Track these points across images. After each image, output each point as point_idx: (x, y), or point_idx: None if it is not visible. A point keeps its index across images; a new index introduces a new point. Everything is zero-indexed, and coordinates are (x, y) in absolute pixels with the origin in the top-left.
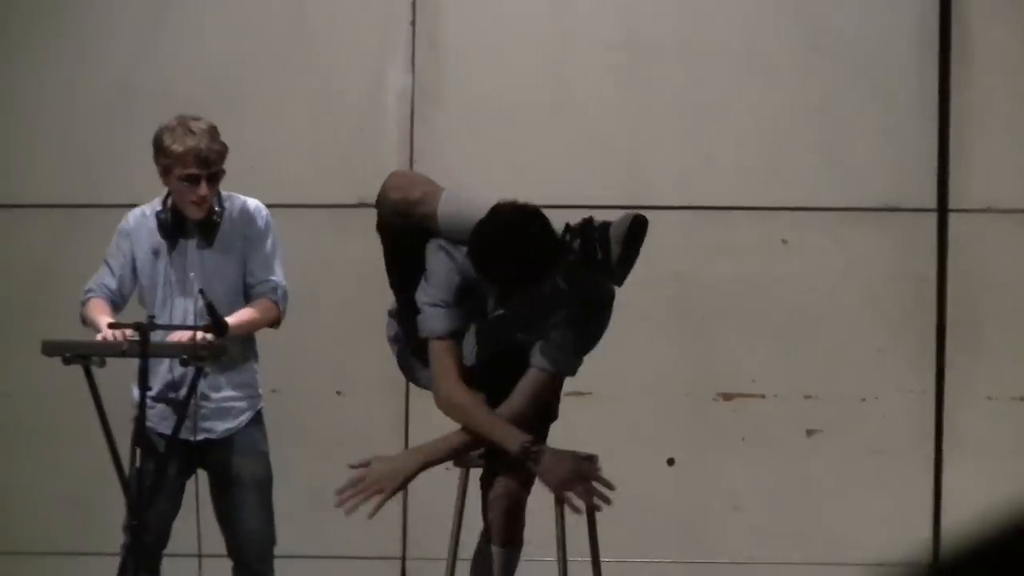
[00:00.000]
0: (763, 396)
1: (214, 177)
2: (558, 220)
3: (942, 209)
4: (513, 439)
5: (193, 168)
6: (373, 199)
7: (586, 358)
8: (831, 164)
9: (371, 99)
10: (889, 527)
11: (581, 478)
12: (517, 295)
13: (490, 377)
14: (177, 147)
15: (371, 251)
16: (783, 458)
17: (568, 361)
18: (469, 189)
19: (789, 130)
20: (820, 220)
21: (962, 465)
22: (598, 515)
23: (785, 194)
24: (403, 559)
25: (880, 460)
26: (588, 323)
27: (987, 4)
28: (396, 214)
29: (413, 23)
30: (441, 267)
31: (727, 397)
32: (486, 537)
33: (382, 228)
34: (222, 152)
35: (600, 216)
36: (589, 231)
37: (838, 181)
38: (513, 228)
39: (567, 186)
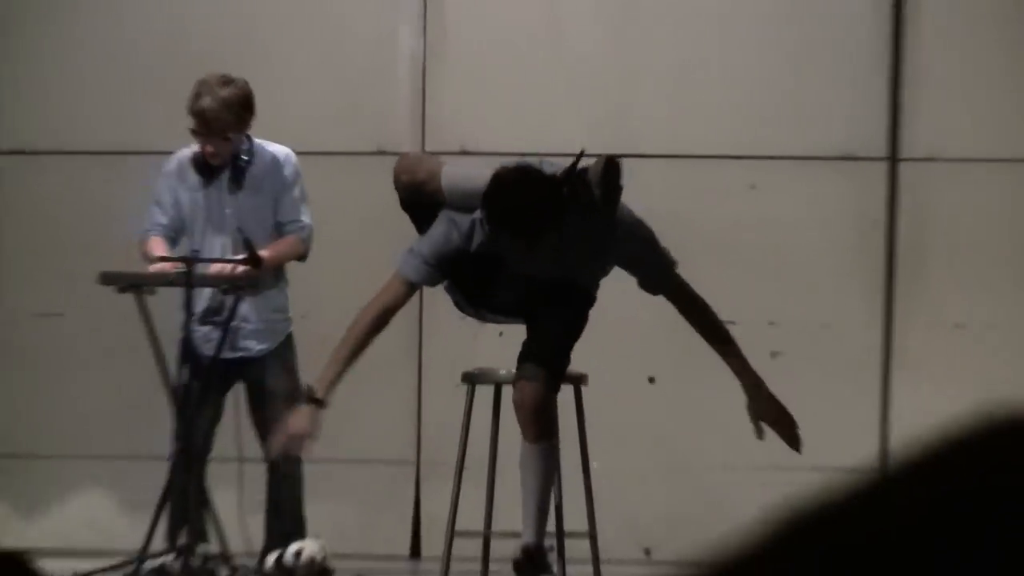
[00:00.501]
0: (733, 323)
1: (222, 136)
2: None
3: (892, 158)
4: (316, 378)
5: (196, 127)
6: (389, 147)
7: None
8: (795, 116)
9: (387, 56)
10: (843, 438)
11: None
12: (539, 244)
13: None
14: (190, 106)
15: (386, 197)
16: None
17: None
18: (463, 163)
19: (757, 86)
20: (784, 167)
21: (908, 385)
22: (592, 428)
23: (753, 144)
24: (417, 464)
25: (835, 379)
26: (575, 320)
27: None
28: (410, 194)
29: (424, 20)
30: (439, 232)
31: None
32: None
33: (404, 207)
34: (227, 120)
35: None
36: (573, 177)
37: (801, 132)
38: (518, 184)
39: (560, 133)
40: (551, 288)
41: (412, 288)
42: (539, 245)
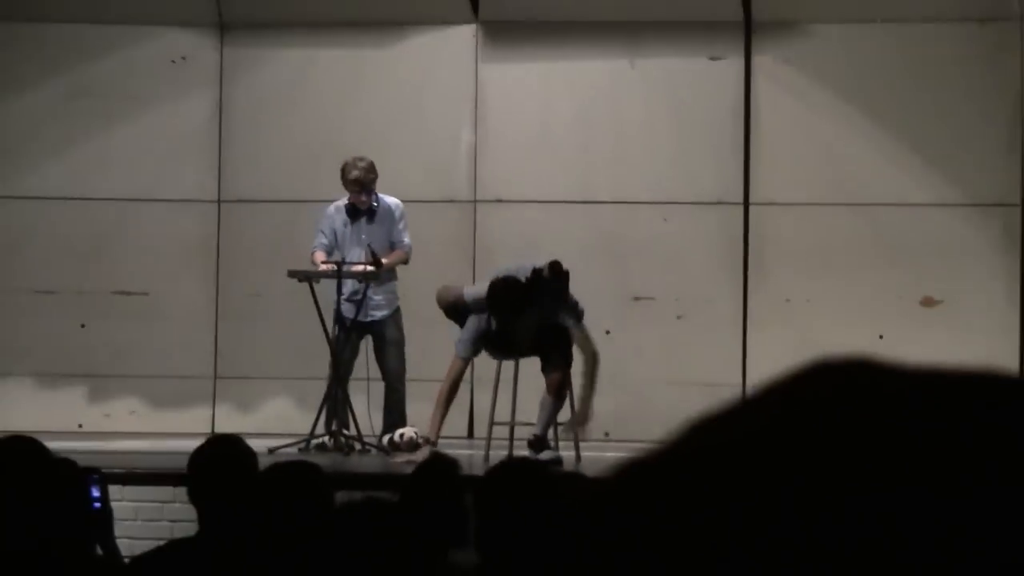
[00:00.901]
0: (653, 297)
1: (367, 189)
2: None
3: (746, 202)
4: (428, 428)
5: (356, 186)
6: (455, 197)
7: None
8: (680, 171)
9: (453, 142)
10: (709, 369)
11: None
12: (521, 318)
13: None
14: (348, 175)
15: (449, 230)
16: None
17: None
18: (474, 285)
19: (659, 157)
20: (682, 209)
21: (757, 334)
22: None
23: (662, 191)
24: (471, 379)
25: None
26: (565, 344)
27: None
28: (448, 309)
29: (475, 107)
30: (471, 325)
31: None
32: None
33: (447, 316)
34: (371, 179)
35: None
36: (536, 278)
37: (690, 183)
38: (496, 293)
39: (563, 188)
40: (544, 333)
41: (466, 362)
42: (522, 319)
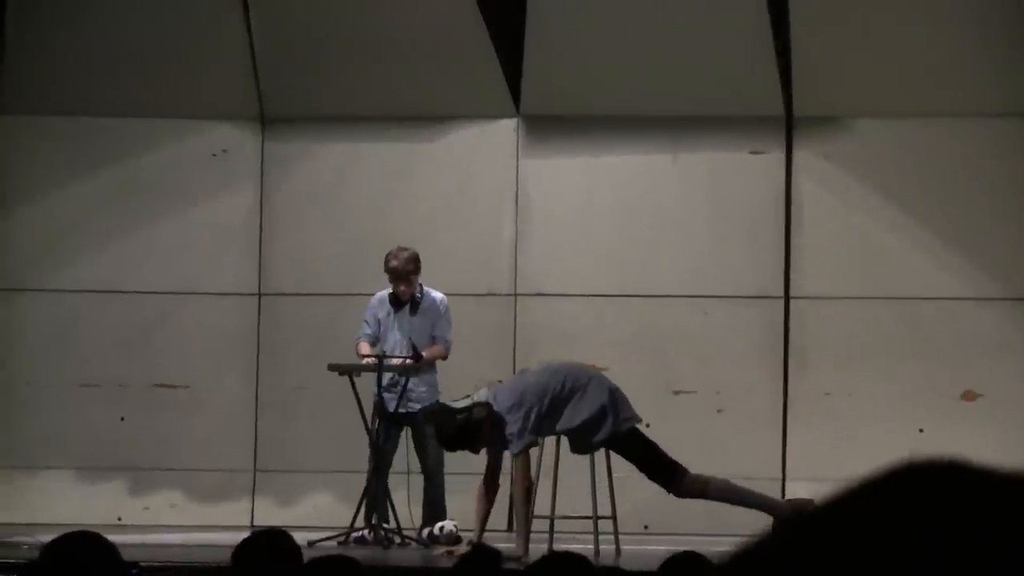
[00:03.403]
0: (695, 391)
1: (406, 281)
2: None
3: (786, 296)
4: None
5: (392, 276)
6: (495, 291)
7: None
8: (726, 266)
9: (495, 236)
10: (752, 456)
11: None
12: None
13: None
14: (388, 264)
15: (490, 319)
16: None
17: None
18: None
19: (702, 253)
20: (723, 303)
21: (798, 425)
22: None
23: (702, 285)
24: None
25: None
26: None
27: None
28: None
29: (516, 201)
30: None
31: (676, 393)
32: None
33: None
34: (409, 270)
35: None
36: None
37: (732, 278)
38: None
39: (592, 281)
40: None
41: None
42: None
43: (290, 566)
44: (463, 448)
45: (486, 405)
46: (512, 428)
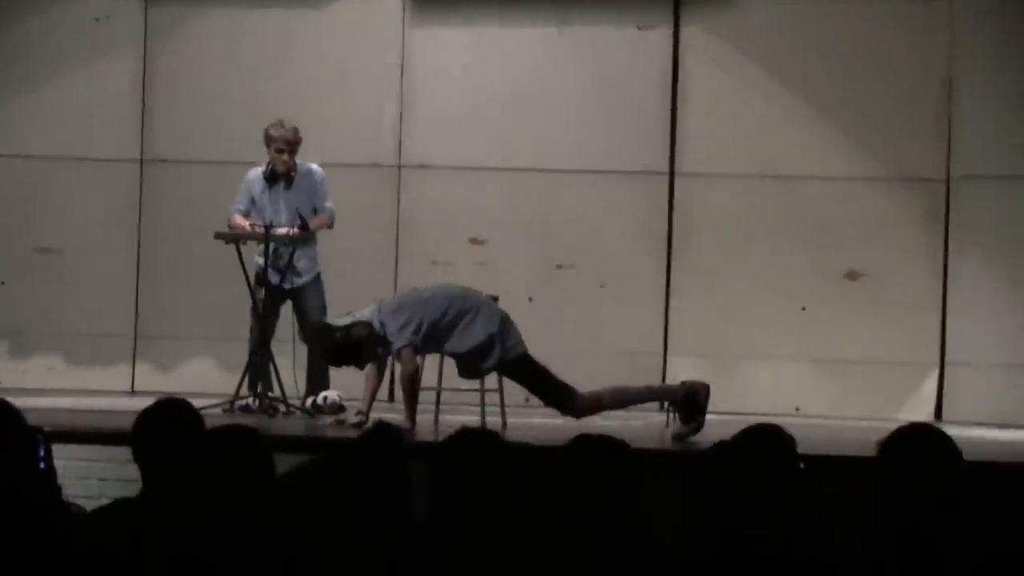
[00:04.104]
0: (573, 265)
1: (293, 151)
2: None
3: (671, 173)
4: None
5: (282, 144)
6: (380, 161)
7: None
8: (610, 143)
9: (380, 113)
10: (631, 336)
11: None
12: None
13: None
14: (274, 133)
15: (374, 193)
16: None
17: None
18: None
19: (581, 125)
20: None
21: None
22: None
23: (587, 161)
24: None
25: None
26: None
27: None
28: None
29: (402, 72)
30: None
31: (559, 267)
32: None
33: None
34: (296, 140)
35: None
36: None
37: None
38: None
39: (470, 153)
40: None
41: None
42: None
43: (192, 434)
44: (346, 364)
45: (367, 324)
46: (392, 328)
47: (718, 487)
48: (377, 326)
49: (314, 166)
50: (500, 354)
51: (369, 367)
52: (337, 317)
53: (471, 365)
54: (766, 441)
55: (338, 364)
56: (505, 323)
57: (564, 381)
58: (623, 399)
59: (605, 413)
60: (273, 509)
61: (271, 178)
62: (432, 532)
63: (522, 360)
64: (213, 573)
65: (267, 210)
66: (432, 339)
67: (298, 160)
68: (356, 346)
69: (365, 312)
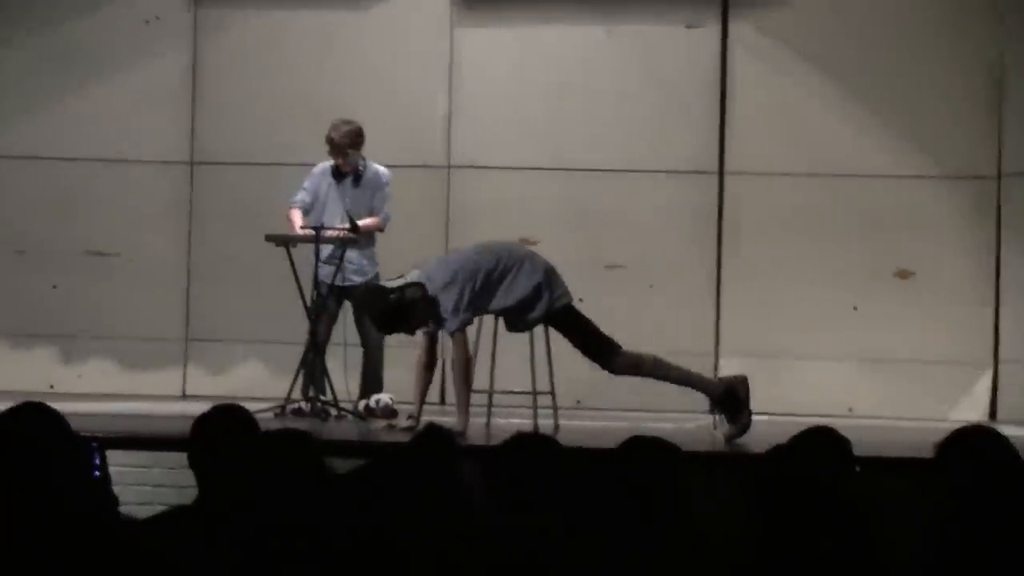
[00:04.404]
0: (623, 266)
1: (342, 154)
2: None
3: (720, 172)
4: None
5: (328, 146)
6: (428, 163)
7: None
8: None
9: (428, 114)
10: (684, 331)
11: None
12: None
13: None
14: (327, 134)
15: (421, 191)
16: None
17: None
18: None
19: (633, 129)
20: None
21: (733, 295)
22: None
23: (632, 161)
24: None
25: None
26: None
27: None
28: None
29: (450, 72)
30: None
31: (608, 267)
32: None
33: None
34: (345, 144)
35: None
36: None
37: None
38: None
39: (527, 153)
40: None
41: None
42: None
43: (248, 440)
44: (398, 330)
45: (419, 285)
46: (447, 306)
47: (776, 491)
48: (429, 287)
49: (382, 168)
50: (547, 304)
51: (419, 365)
52: (387, 280)
53: (518, 318)
54: (822, 444)
55: (389, 330)
56: (550, 274)
57: (610, 337)
58: (661, 372)
59: (658, 415)
60: (327, 514)
61: (336, 174)
62: (487, 533)
63: (567, 311)
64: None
65: (329, 204)
66: (479, 300)
67: (368, 160)
68: (410, 309)
69: (413, 274)
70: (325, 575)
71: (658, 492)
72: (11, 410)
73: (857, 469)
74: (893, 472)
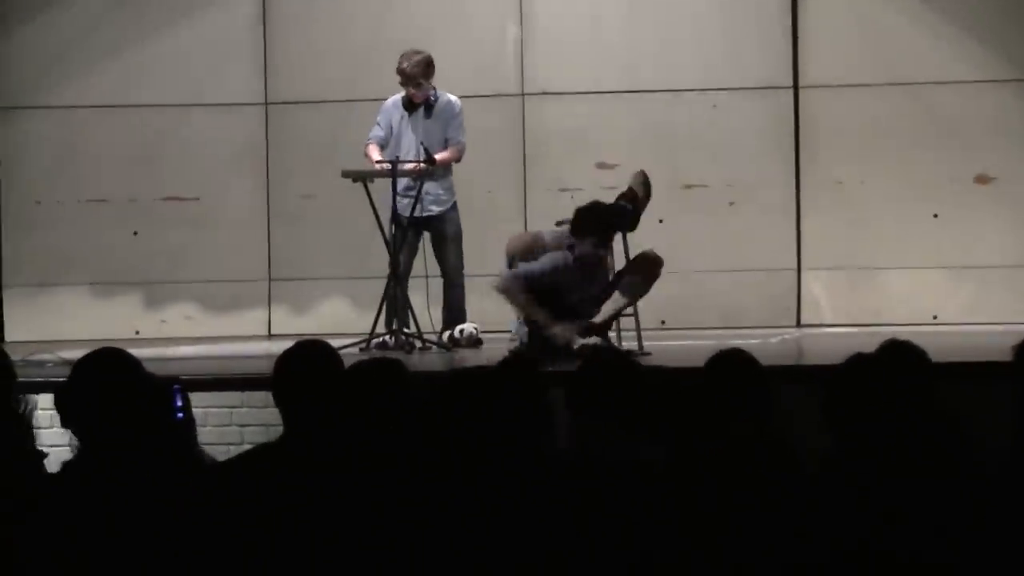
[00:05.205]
0: (706, 185)
1: (415, 84)
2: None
3: (795, 86)
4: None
5: (402, 79)
6: (502, 92)
7: None
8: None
9: (500, 42)
10: (767, 249)
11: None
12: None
13: None
14: (397, 66)
15: (495, 120)
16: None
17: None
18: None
19: (703, 47)
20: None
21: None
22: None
23: (711, 78)
24: None
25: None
26: None
27: None
28: (523, 252)
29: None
30: (547, 260)
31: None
32: None
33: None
34: (417, 73)
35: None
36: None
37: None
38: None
39: (594, 78)
40: None
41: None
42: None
43: (333, 373)
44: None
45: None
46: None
47: (853, 403)
48: None
49: (453, 97)
50: None
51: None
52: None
53: None
54: (898, 357)
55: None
56: None
57: None
58: None
59: (744, 332)
60: (414, 443)
61: (409, 106)
62: (574, 458)
63: None
64: (358, 513)
65: (404, 137)
66: None
67: (439, 90)
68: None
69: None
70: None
71: (743, 404)
72: (87, 356)
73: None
74: (975, 377)
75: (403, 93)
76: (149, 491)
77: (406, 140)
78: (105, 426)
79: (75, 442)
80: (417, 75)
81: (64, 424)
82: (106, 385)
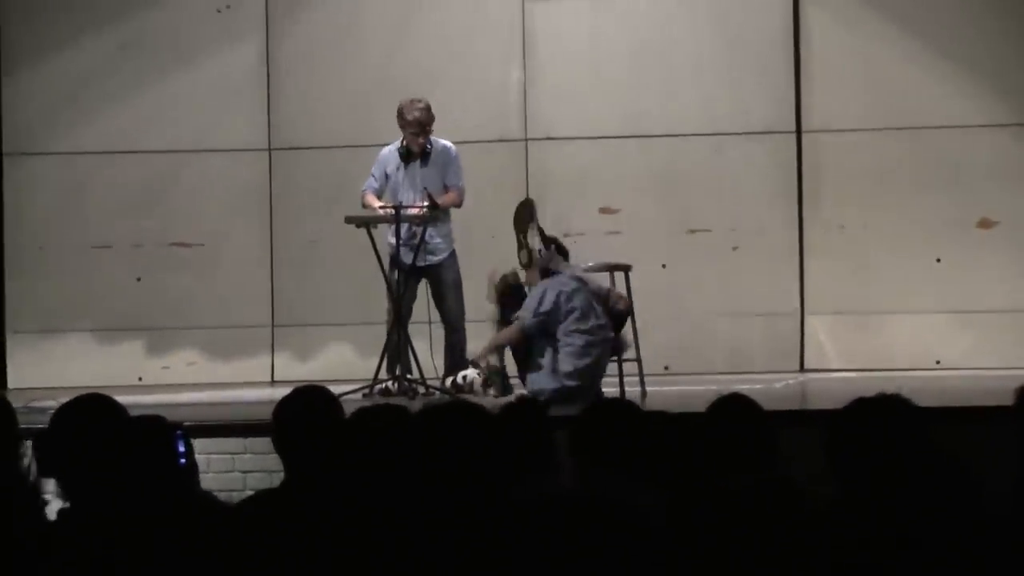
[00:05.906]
0: (709, 230)
1: (427, 132)
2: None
3: (798, 130)
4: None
5: (416, 127)
6: (505, 137)
7: None
8: (735, 104)
9: (502, 83)
10: (771, 295)
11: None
12: None
13: None
14: (408, 115)
15: (501, 165)
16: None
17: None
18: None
19: (709, 93)
20: (734, 140)
21: (813, 256)
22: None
23: (713, 123)
24: None
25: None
26: None
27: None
28: (506, 291)
29: (523, 42)
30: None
31: (691, 232)
32: None
33: (501, 297)
34: (429, 120)
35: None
36: None
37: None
38: None
39: (601, 123)
40: None
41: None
42: None
43: (333, 420)
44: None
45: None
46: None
47: (850, 448)
48: None
49: (448, 143)
50: None
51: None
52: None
53: None
54: (885, 408)
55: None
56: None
57: None
58: None
59: (747, 377)
60: (417, 485)
61: (406, 156)
62: (577, 499)
63: None
64: (362, 553)
65: (401, 187)
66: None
67: (433, 136)
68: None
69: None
70: (415, 547)
71: (746, 448)
72: (67, 403)
73: (927, 425)
74: (978, 421)
75: (398, 143)
76: (148, 538)
77: (404, 191)
78: (88, 473)
79: (58, 490)
80: (429, 122)
81: (41, 473)
82: (87, 432)
